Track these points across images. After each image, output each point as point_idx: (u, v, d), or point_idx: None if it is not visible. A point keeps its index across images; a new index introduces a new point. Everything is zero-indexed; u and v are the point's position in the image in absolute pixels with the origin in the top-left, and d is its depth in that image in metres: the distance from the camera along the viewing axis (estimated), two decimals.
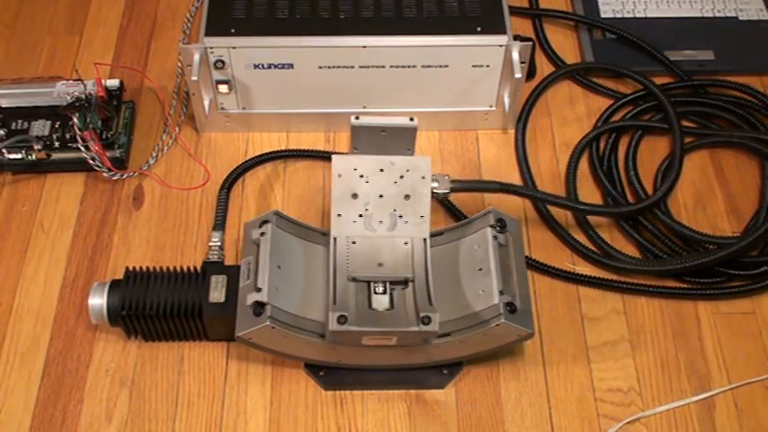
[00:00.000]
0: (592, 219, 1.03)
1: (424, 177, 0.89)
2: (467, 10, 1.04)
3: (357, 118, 0.88)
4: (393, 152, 0.89)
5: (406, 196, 0.89)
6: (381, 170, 0.89)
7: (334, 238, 0.89)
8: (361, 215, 0.89)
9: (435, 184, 0.95)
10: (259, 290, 0.84)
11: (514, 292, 0.86)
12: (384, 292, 0.86)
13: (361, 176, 0.89)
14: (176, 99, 1.14)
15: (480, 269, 0.87)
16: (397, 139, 0.89)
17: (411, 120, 0.87)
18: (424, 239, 0.89)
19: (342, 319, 0.80)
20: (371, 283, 0.86)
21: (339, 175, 0.89)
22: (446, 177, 0.96)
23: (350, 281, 0.87)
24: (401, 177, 0.89)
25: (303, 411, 0.90)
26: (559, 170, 1.08)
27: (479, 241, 0.89)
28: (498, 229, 0.89)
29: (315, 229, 0.93)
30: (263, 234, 0.88)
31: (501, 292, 0.84)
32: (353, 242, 0.89)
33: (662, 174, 1.07)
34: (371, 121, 0.87)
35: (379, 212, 0.89)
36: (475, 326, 0.84)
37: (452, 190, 0.96)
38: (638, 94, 1.14)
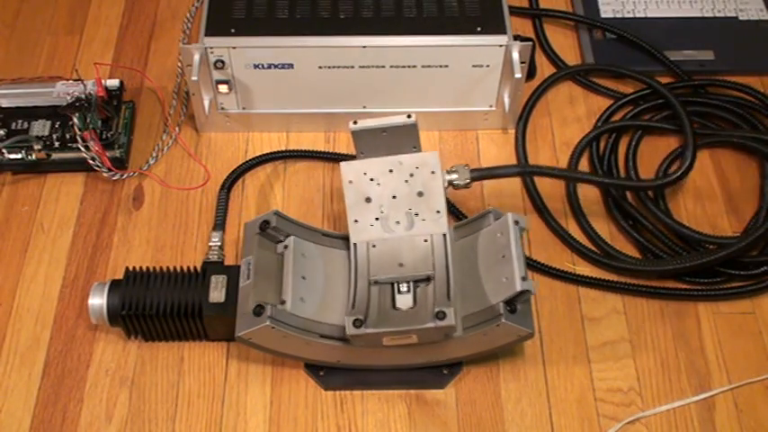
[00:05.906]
0: (592, 219, 1.03)
1: (434, 172, 0.89)
2: (467, 10, 1.04)
3: (355, 122, 0.87)
4: (399, 151, 0.89)
5: (419, 193, 0.89)
6: (391, 171, 0.89)
7: (354, 244, 0.89)
8: (377, 218, 0.89)
9: (455, 176, 0.93)
10: (283, 302, 0.84)
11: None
12: (408, 291, 0.86)
13: (372, 180, 0.89)
14: (176, 99, 1.14)
15: (503, 256, 0.85)
16: (400, 138, 0.88)
17: (409, 117, 0.87)
18: (444, 234, 0.89)
19: (357, 323, 0.80)
20: (395, 284, 0.86)
21: (350, 182, 0.89)
22: (465, 167, 0.94)
23: (372, 285, 0.86)
24: (411, 175, 0.89)
25: (303, 411, 0.90)
26: None
27: (502, 228, 0.87)
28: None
29: (315, 230, 0.93)
30: (286, 247, 0.88)
31: (523, 278, 0.82)
32: (373, 245, 0.89)
33: (666, 166, 1.07)
34: (370, 123, 0.87)
35: (394, 213, 0.89)
36: (475, 326, 0.84)
37: (473, 179, 0.94)
38: (638, 94, 1.14)
